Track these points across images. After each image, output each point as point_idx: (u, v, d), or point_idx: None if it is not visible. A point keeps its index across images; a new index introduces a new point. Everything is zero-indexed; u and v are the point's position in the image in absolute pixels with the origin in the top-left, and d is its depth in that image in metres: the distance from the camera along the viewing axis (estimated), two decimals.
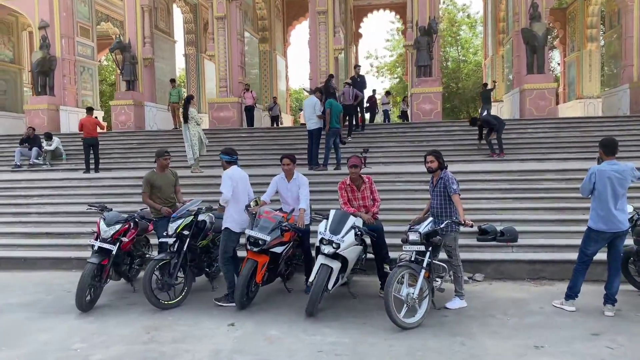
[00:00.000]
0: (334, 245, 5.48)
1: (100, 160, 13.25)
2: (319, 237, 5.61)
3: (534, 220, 8.19)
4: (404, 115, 21.98)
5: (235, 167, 6.34)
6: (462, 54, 34.92)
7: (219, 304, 5.97)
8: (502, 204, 8.85)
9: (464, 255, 7.36)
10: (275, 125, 19.79)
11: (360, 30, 28.32)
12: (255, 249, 5.74)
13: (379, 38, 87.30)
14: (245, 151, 14.01)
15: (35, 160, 13.94)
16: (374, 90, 21.21)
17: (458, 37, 34.38)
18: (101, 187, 11.14)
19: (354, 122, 14.85)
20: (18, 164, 13.86)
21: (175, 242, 6.07)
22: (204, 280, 6.91)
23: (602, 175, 5.35)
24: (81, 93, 20.35)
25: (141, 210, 7.03)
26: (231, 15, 18.22)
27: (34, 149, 14.09)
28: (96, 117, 13.54)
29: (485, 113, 16.25)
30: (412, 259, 5.32)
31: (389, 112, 23.42)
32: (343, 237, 5.53)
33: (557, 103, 25.53)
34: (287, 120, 25.13)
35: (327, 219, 5.75)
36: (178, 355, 4.47)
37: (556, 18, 24.66)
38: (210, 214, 6.74)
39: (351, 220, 5.74)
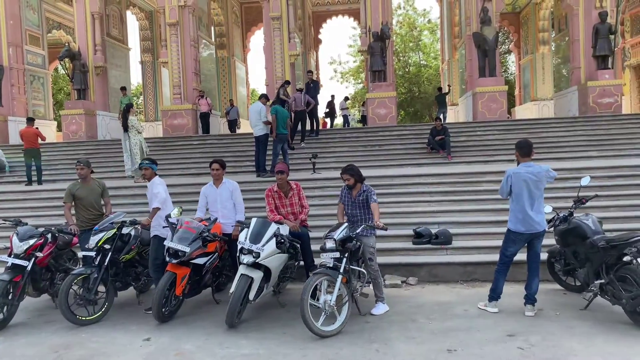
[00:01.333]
0: (253, 254, 5.38)
1: (44, 172, 12.87)
2: (239, 246, 5.51)
3: (469, 222, 8.25)
4: (364, 119, 22.08)
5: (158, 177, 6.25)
6: (423, 58, 35.33)
7: (149, 312, 5.81)
8: (440, 207, 8.91)
9: (399, 259, 7.44)
10: (233, 131, 19.42)
11: (320, 36, 28.37)
12: (174, 261, 5.59)
13: (342, 44, 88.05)
14: (195, 159, 13.85)
15: None
16: (332, 96, 21.26)
17: (419, 42, 34.77)
18: (40, 200, 10.82)
19: (308, 128, 14.79)
20: None
21: (97, 255, 5.89)
22: (130, 294, 6.71)
23: (517, 177, 5.39)
24: (32, 103, 19.82)
25: (65, 223, 6.80)
26: (184, 22, 18.01)
27: None
28: (37, 128, 13.13)
29: (441, 116, 16.52)
30: (331, 265, 5.25)
31: (349, 116, 23.51)
32: (263, 245, 5.43)
33: (514, 105, 26.10)
34: (249, 128, 24.92)
35: (248, 227, 5.65)
36: None
37: (510, 22, 25.19)
38: (137, 226, 6.55)
39: (273, 228, 5.65)
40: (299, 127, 14.28)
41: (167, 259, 5.65)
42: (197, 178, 12.01)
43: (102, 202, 6.82)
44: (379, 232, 6.05)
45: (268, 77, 18.17)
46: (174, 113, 17.81)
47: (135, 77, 32.38)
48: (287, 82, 15.60)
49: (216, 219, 6.27)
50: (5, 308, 5.64)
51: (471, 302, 6.06)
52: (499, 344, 4.69)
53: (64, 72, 32.49)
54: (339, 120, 26.23)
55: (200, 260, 5.78)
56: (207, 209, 6.68)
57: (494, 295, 5.68)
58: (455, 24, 22.36)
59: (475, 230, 8.07)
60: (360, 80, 36.97)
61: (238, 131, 19.99)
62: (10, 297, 5.66)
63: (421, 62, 35.23)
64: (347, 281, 5.31)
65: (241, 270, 5.45)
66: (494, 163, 11.77)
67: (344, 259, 5.25)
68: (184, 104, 17.88)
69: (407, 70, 34.45)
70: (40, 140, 12.72)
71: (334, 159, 13.04)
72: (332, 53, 62.57)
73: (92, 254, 5.87)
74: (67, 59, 18.18)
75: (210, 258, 5.96)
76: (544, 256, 6.02)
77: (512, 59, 33.47)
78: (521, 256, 5.75)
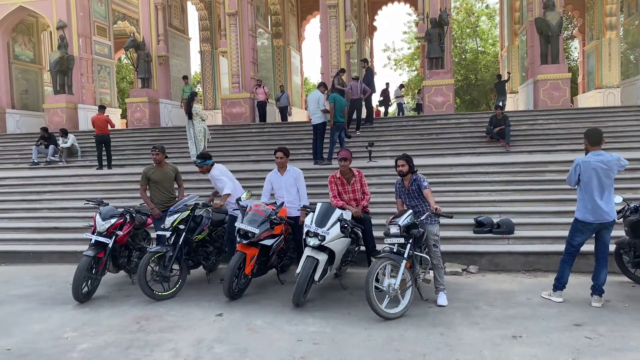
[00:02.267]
0: (319, 237, 5.58)
1: (113, 157, 13.59)
2: (305, 229, 5.72)
3: (532, 212, 8.14)
4: (419, 107, 21.88)
5: (219, 164, 6.61)
6: (480, 45, 34.45)
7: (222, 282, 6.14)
8: (502, 196, 8.82)
9: (459, 247, 7.47)
10: (283, 118, 19.56)
11: (375, 24, 28.20)
12: (244, 242, 5.87)
13: (397, 30, 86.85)
14: (254, 146, 14.22)
15: (51, 158, 14.36)
16: (387, 84, 21.17)
17: (477, 28, 33.91)
18: (112, 183, 11.45)
19: (364, 116, 14.85)
20: (35, 161, 14.31)
21: (171, 235, 6.26)
22: (200, 273, 7.08)
23: (587, 166, 5.31)
24: (99, 91, 20.80)
25: (140, 205, 7.24)
26: (243, 12, 18.37)
27: (51, 147, 14.50)
28: (107, 115, 13.84)
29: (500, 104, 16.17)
30: (394, 250, 5.37)
31: (403, 104, 23.34)
32: (328, 229, 5.61)
33: (577, 93, 25.10)
34: (302, 115, 25.23)
35: (314, 212, 5.84)
36: (160, 345, 4.63)
37: (575, 7, 24.15)
38: (208, 209, 6.89)
39: (337, 213, 5.82)
40: (355, 115, 14.36)
41: (238, 239, 5.93)
42: (257, 165, 12.37)
43: (175, 186, 7.21)
44: (441, 221, 6.11)
45: (323, 66, 18.28)
46: (233, 102, 18.27)
47: (195, 67, 33.29)
48: (342, 71, 15.68)
49: (282, 203, 6.52)
50: (89, 282, 6.12)
51: (534, 291, 6.04)
52: (566, 332, 4.68)
53: (129, 62, 33.87)
54: (392, 109, 26.04)
55: (267, 242, 6.04)
56: (272, 195, 6.95)
57: (559, 285, 5.64)
58: (515, 10, 21.67)
59: (538, 220, 7.97)
60: (414, 68, 36.53)
61: (289, 118, 20.17)
62: (93, 271, 6.12)
63: (478, 48, 34.38)
64: (410, 266, 5.41)
65: (307, 252, 5.66)
66: (556, 153, 11.47)
67: (408, 245, 5.35)
68: (242, 92, 18.30)
69: (463, 57, 33.72)
70: (109, 127, 13.40)
71: (389, 147, 13.06)
72: (387, 40, 61.94)
73: (167, 233, 6.24)
74: (132, 49, 18.95)
75: (277, 240, 6.21)
76: (612, 247, 5.90)
77: (575, 44, 32.13)
78: (586, 247, 5.67)
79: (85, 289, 6.03)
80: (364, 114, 14.88)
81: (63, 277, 7.22)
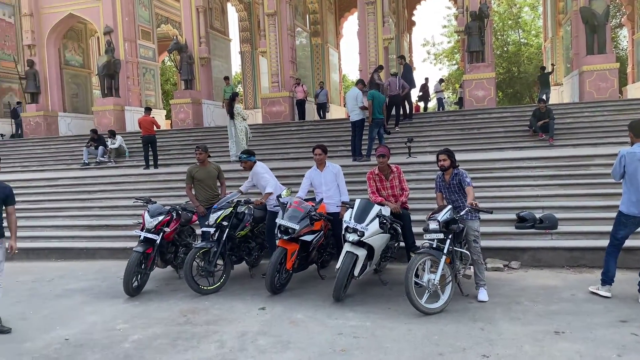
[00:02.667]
0: (358, 233, 5.66)
1: (159, 157, 14.05)
2: (344, 225, 5.81)
3: (576, 207, 7.96)
4: (461, 102, 21.57)
5: (260, 162, 6.80)
6: (523, 36, 33.57)
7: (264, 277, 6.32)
8: (545, 191, 8.64)
9: (500, 243, 7.40)
10: (322, 114, 19.56)
11: (413, 19, 27.95)
12: (285, 237, 6.02)
13: (436, 24, 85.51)
14: (293, 144, 14.40)
15: (101, 159, 14.98)
16: (426, 79, 21.00)
17: (519, 20, 33.06)
18: (158, 182, 11.85)
19: (402, 112, 14.80)
20: (86, 162, 14.96)
21: (215, 231, 6.46)
22: (244, 268, 7.29)
23: (632, 157, 5.19)
24: (144, 93, 21.52)
25: (186, 202, 7.52)
26: (281, 12, 18.60)
27: (100, 148, 15.14)
28: (153, 117, 14.33)
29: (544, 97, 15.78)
30: (434, 246, 5.40)
31: (443, 99, 23.04)
32: (367, 225, 5.68)
33: (626, 84, 24.13)
34: (341, 113, 25.30)
35: (353, 208, 5.92)
36: (207, 337, 4.83)
37: None
38: (250, 206, 7.08)
39: (376, 209, 5.88)
40: (394, 111, 14.34)
41: (279, 235, 6.09)
42: (296, 162, 12.54)
43: (218, 184, 7.44)
44: (482, 216, 6.09)
45: (362, 62, 18.30)
46: (272, 100, 18.54)
47: (235, 67, 33.87)
48: (381, 67, 15.68)
49: (321, 200, 6.63)
50: (139, 276, 6.41)
51: (578, 287, 5.94)
52: (611, 329, 4.61)
53: (172, 64, 34.80)
54: (432, 104, 25.75)
55: (307, 237, 6.16)
56: (311, 191, 7.07)
57: (607, 279, 5.52)
58: None
59: (583, 215, 7.78)
60: (455, 62, 35.98)
61: (327, 115, 20.23)
62: (142, 266, 6.41)
63: (521, 40, 33.51)
64: (450, 262, 5.42)
65: (346, 247, 5.75)
66: (603, 146, 11.13)
67: (448, 240, 5.37)
68: (281, 91, 18.55)
69: (505, 49, 32.95)
70: (155, 128, 13.87)
71: (429, 142, 13.00)
72: (426, 34, 61.13)
73: (211, 230, 6.45)
74: (175, 52, 19.49)
75: (317, 236, 6.32)
76: None
77: (624, 33, 30.85)
78: (635, 242, 5.54)
79: (135, 283, 6.32)
80: (402, 110, 14.83)
81: (114, 272, 7.58)
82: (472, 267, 5.88)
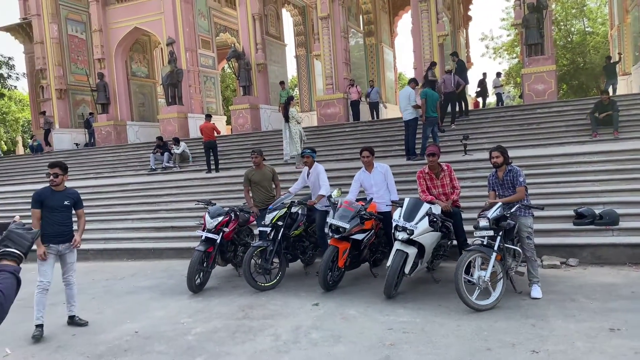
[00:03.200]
0: (407, 231, 5.77)
1: (220, 161, 14.64)
2: (394, 224, 5.93)
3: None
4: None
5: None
6: (588, 25, 32.06)
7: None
8: (606, 186, 8.37)
9: (557, 240, 7.27)
10: (374, 114, 19.28)
11: (470, 13, 27.40)
12: (336, 236, 6.22)
13: (494, 17, 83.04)
14: (348, 145, 14.57)
15: (166, 164, 15.79)
16: (484, 74, 20.58)
17: (583, 8, 31.60)
18: (219, 185, 12.40)
19: (457, 109, 14.64)
20: (153, 167, 15.81)
21: (271, 231, 6.76)
22: (299, 266, 7.56)
23: None
24: (205, 100, 22.40)
25: (244, 204, 7.89)
26: (334, 14, 18.84)
27: (165, 154, 15.96)
28: (213, 123, 14.94)
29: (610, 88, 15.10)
30: (485, 243, 5.42)
31: (503, 94, 22.45)
32: (416, 223, 5.78)
33: None
34: (397, 112, 25.20)
35: (402, 206, 6.03)
36: (263, 330, 5.11)
37: None
38: (303, 206, 7.34)
39: (425, 208, 5.96)
40: (449, 108, 14.21)
41: (330, 234, 6.30)
42: (351, 163, 12.70)
43: (273, 185, 7.75)
44: (536, 213, 6.04)
45: (416, 60, 18.21)
46: (327, 102, 18.80)
47: (291, 71, 34.50)
48: (434, 64, 15.57)
49: (371, 199, 6.78)
50: (201, 274, 6.81)
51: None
52: None
53: (231, 71, 35.94)
54: (492, 99, 25.10)
55: (358, 236, 6.33)
56: (361, 191, 7.24)
57: None
58: None
59: None
60: (515, 55, 34.89)
61: (384, 114, 20.09)
62: (204, 265, 6.81)
63: (586, 29, 32.02)
64: (501, 259, 5.43)
65: (396, 246, 5.87)
66: None
67: (498, 237, 5.38)
68: (335, 93, 18.78)
69: (569, 39, 31.59)
70: (216, 134, 14.47)
71: (486, 139, 12.79)
72: (484, 29, 59.49)
73: (267, 229, 6.75)
74: (233, 59, 20.18)
75: (367, 234, 6.48)
76: None
77: None
78: None
79: (198, 280, 6.73)
80: (458, 107, 14.66)
81: (179, 271, 8.05)
82: (525, 264, 5.84)
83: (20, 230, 1.76)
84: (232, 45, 21.42)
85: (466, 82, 15.14)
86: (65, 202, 5.51)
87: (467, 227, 6.73)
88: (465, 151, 11.50)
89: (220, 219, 6.87)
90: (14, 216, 1.93)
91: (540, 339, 4.41)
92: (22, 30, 25.56)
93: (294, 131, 12.02)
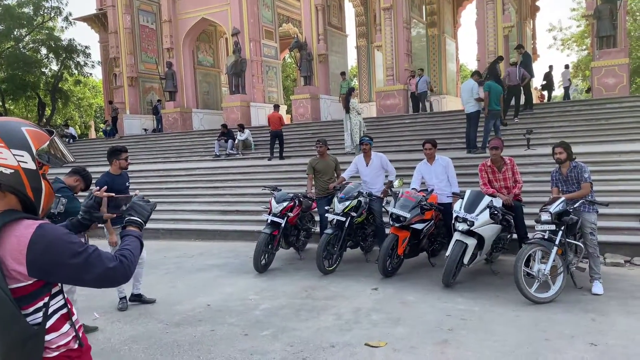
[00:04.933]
0: (467, 222, 5.89)
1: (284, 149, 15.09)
2: (454, 215, 6.07)
3: None
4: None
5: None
6: None
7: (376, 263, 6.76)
8: None
9: (622, 238, 7.17)
10: (424, 106, 18.08)
11: (537, 3, 26.48)
12: (396, 225, 6.42)
13: (564, 7, 79.39)
14: (407, 137, 14.63)
15: (230, 151, 16.41)
16: (550, 66, 19.97)
17: None
18: (280, 172, 12.82)
19: (522, 103, 14.36)
20: (217, 154, 16.47)
21: (346, 219, 6.96)
22: (359, 252, 7.81)
23: None
24: (267, 90, 22.94)
25: (306, 191, 8.22)
26: (397, 5, 18.79)
27: (229, 141, 16.58)
28: (280, 114, 15.42)
29: None
30: (546, 237, 5.47)
31: (570, 88, 21.66)
32: (477, 215, 5.89)
33: None
34: (458, 104, 24.84)
35: (463, 198, 6.15)
36: (325, 309, 5.41)
37: None
38: (365, 195, 7.53)
39: (486, 200, 6.06)
40: (513, 102, 13.97)
41: (390, 222, 6.50)
42: (409, 154, 12.78)
43: (335, 174, 8.02)
44: (601, 210, 6.00)
45: (480, 52, 17.90)
46: (387, 94, 18.84)
47: (351, 62, 34.59)
48: (500, 58, 15.27)
49: (432, 190, 6.93)
50: (266, 255, 7.20)
51: None
52: None
53: (292, 61, 36.48)
54: (558, 93, 24.29)
55: (418, 226, 6.51)
56: (422, 183, 7.39)
57: None
58: None
59: None
60: (584, 47, 33.43)
61: (436, 107, 19.62)
62: (269, 246, 7.20)
63: None
64: (562, 253, 5.46)
65: (456, 236, 6.01)
66: None
67: (560, 232, 5.41)
68: (396, 84, 18.78)
69: None
70: (282, 124, 14.92)
71: (550, 134, 12.51)
72: (552, 19, 57.15)
73: (342, 218, 6.89)
74: (295, 49, 20.55)
75: (427, 224, 6.64)
76: None
77: None
78: None
79: (263, 261, 7.13)
80: (522, 101, 14.38)
81: (244, 252, 8.51)
82: (587, 260, 5.83)
83: (142, 202, 2.11)
84: (295, 35, 21.81)
85: (531, 75, 14.79)
86: (127, 184, 5.80)
87: (528, 222, 6.76)
88: (528, 145, 11.33)
89: (285, 204, 7.22)
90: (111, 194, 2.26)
91: (599, 333, 4.46)
92: (98, 21, 27.02)
93: (354, 122, 12.23)
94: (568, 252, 5.55)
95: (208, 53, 25.43)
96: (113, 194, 2.36)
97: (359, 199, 7.14)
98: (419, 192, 6.92)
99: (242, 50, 21.18)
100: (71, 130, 25.11)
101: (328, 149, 8.04)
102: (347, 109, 12.35)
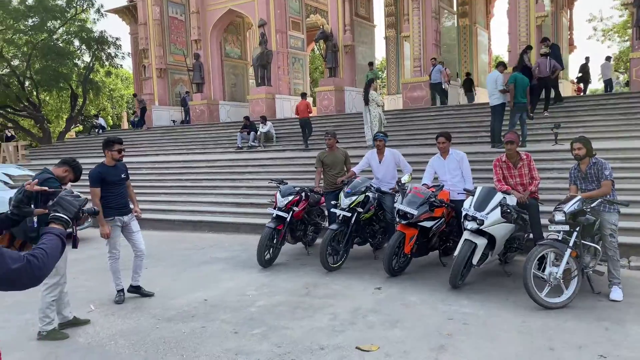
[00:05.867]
0: (477, 221, 5.57)
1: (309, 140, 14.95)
2: (463, 213, 5.75)
3: None
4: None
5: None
6: None
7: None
8: None
9: None
10: (441, 97, 17.21)
11: None
12: (403, 222, 6.14)
13: None
14: (432, 130, 14.17)
15: (252, 143, 16.33)
16: (586, 58, 19.12)
17: None
18: (298, 165, 12.66)
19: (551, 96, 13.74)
20: (239, 145, 16.42)
21: (352, 215, 6.72)
22: (367, 249, 7.56)
23: None
24: (293, 82, 22.76)
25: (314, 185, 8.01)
26: None
27: (252, 133, 16.50)
28: (308, 102, 15.29)
29: None
30: (559, 238, 5.11)
31: (613, 80, 20.65)
32: (487, 213, 5.56)
33: None
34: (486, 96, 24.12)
35: (473, 195, 5.83)
36: (322, 309, 5.21)
37: None
38: (374, 190, 7.27)
39: (498, 198, 5.71)
40: (542, 94, 13.37)
41: (397, 219, 6.23)
42: (433, 148, 12.30)
43: (345, 168, 7.76)
44: (623, 210, 5.59)
45: (511, 43, 17.21)
46: (413, 85, 18.39)
47: (380, 53, 34.11)
48: (529, 47, 14.64)
49: (442, 186, 6.61)
50: (271, 250, 7.05)
51: None
52: None
53: (319, 53, 36.19)
54: (597, 86, 23.28)
55: (427, 224, 6.20)
56: (436, 178, 7.07)
57: None
58: None
59: None
60: (627, 38, 31.98)
61: (474, 97, 19.15)
62: (274, 241, 7.03)
63: None
64: (577, 255, 5.10)
65: (465, 235, 5.70)
66: None
67: (575, 233, 5.05)
68: (423, 76, 18.29)
69: None
70: (309, 112, 14.86)
71: (582, 128, 11.89)
72: (592, 9, 54.87)
73: (347, 213, 6.65)
74: (321, 40, 20.26)
75: (437, 222, 6.32)
76: None
77: None
78: None
79: (268, 256, 6.97)
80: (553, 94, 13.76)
81: (254, 245, 8.21)
82: (606, 263, 5.44)
83: (70, 197, 1.94)
84: (321, 26, 21.52)
85: (561, 67, 14.11)
86: (122, 175, 5.64)
87: (545, 221, 6.37)
88: (555, 140, 10.80)
89: (290, 198, 7.03)
90: None
91: (611, 344, 4.12)
92: (128, 12, 27.34)
93: (374, 114, 11.92)
94: (584, 254, 5.17)
95: (236, 45, 25.41)
96: (46, 188, 2.20)
97: (367, 194, 6.88)
98: (429, 187, 6.62)
99: (268, 42, 21.04)
100: (101, 121, 25.56)
101: (337, 141, 7.79)
102: (367, 101, 12.04)
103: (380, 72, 36.16)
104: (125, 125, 35.74)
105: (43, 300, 4.56)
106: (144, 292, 5.88)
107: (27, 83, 25.39)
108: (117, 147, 5.56)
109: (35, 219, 4.35)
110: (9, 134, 26.16)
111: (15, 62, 25.55)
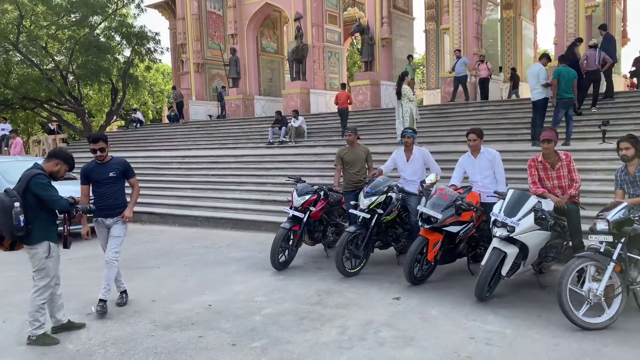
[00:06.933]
0: (507, 228, 5.01)
1: (333, 137, 14.48)
2: (492, 218, 5.19)
3: None
4: None
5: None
6: None
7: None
8: None
9: None
10: (467, 91, 16.28)
11: None
12: (427, 226, 5.63)
13: None
14: (471, 126, 13.38)
15: (283, 138, 16.02)
16: None
17: None
18: (326, 162, 12.20)
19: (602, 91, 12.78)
20: (270, 141, 16.13)
21: (371, 217, 6.26)
22: (391, 254, 7.07)
23: None
24: (328, 77, 22.31)
25: (340, 183, 7.56)
26: None
27: (283, 128, 16.19)
28: (348, 92, 14.96)
29: None
30: (602, 250, 4.50)
31: None
32: (519, 220, 4.99)
33: None
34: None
35: (504, 199, 5.26)
36: (332, 320, 4.78)
37: None
38: (396, 189, 6.76)
39: (531, 202, 5.12)
40: (591, 89, 12.44)
41: (420, 223, 5.72)
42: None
43: (366, 166, 7.28)
44: None
45: (558, 35, 16.22)
46: (452, 80, 17.60)
47: (420, 46, 33.22)
48: (579, 40, 13.68)
49: (471, 188, 6.06)
50: (286, 252, 6.66)
51: None
52: None
53: (357, 48, 35.58)
54: None
55: (453, 228, 5.66)
56: (466, 178, 6.51)
57: None
58: None
59: None
60: None
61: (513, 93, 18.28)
62: (290, 242, 6.64)
63: None
64: (621, 270, 4.47)
65: (494, 243, 5.15)
66: None
67: (619, 245, 4.42)
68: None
69: None
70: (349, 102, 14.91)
71: (633, 126, 10.95)
72: None
73: (366, 215, 6.18)
74: (357, 34, 19.72)
75: (465, 227, 5.77)
76: None
77: None
78: None
79: (282, 258, 6.59)
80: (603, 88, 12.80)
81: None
82: None
83: None
84: (358, 19, 20.96)
85: (614, 59, 13.10)
86: (111, 174, 5.13)
87: (586, 228, 5.73)
88: (603, 139, 9.97)
89: (307, 197, 6.62)
90: None
91: None
92: (168, 7, 27.53)
93: (405, 109, 11.36)
94: (629, 269, 4.53)
95: (272, 39, 25.16)
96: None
97: (389, 194, 6.39)
98: (457, 189, 6.06)
99: (304, 36, 20.67)
100: (139, 115, 25.84)
101: (359, 137, 7.31)
102: (399, 95, 11.48)
103: (421, 66, 35.12)
104: (165, 119, 36.24)
105: (32, 304, 4.32)
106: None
107: (70, 78, 25.95)
108: (91, 146, 5.12)
109: (21, 218, 4.14)
110: (52, 127, 26.83)
111: (59, 57, 26.14)
